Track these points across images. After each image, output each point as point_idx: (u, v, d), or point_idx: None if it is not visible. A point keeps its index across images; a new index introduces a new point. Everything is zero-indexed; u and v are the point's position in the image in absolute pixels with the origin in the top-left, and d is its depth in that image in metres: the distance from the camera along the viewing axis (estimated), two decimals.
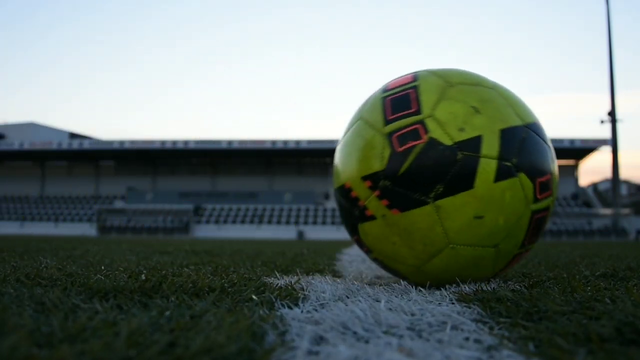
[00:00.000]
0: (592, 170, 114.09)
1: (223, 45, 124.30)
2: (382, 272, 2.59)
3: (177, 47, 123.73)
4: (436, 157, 1.61)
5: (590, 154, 47.00)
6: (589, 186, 51.62)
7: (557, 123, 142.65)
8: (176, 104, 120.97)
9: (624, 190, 54.21)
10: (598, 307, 1.18)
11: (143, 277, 1.74)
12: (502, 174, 1.62)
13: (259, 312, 1.15)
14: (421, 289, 1.61)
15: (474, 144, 1.62)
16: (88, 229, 43.31)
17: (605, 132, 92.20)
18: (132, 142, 47.02)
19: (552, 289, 1.59)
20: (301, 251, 5.26)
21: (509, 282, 1.91)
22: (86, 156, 50.66)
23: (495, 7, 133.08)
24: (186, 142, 46.64)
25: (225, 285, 1.58)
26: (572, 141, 43.93)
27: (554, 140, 44.17)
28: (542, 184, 1.72)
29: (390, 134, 1.69)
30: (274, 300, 1.35)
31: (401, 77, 1.91)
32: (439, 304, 1.34)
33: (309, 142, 45.43)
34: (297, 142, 45.83)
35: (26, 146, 47.56)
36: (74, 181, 53.28)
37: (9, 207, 49.02)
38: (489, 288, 1.66)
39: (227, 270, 2.25)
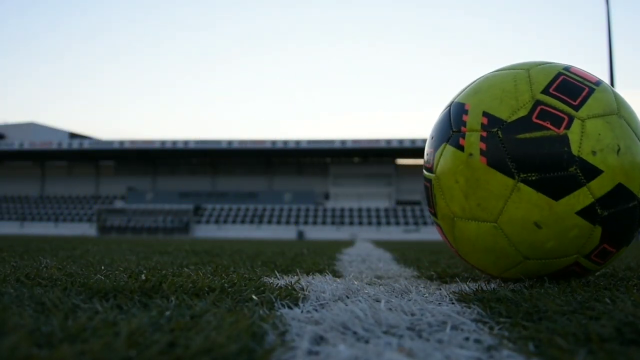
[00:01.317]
0: None
1: (223, 45, 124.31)
2: (382, 272, 2.59)
3: (177, 47, 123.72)
4: (554, 153, 1.61)
5: None
6: None
7: None
8: (176, 104, 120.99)
9: None
10: (598, 307, 1.18)
11: (143, 277, 1.74)
12: (586, 213, 1.62)
13: (259, 312, 1.15)
14: (421, 289, 1.61)
15: (592, 172, 1.61)
16: (88, 229, 43.33)
17: None
18: (132, 142, 47.03)
19: (552, 289, 1.59)
20: (301, 251, 5.27)
21: (509, 282, 1.91)
22: (86, 156, 50.67)
23: (495, 6, 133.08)
24: (186, 142, 46.65)
25: (225, 285, 1.58)
26: None
27: None
28: (605, 250, 1.72)
29: (538, 102, 1.67)
30: (274, 300, 1.35)
31: (588, 72, 1.88)
32: (439, 304, 1.34)
33: (309, 142, 45.43)
34: (297, 142, 45.83)
35: (26, 146, 47.57)
36: (74, 181, 53.31)
37: (9, 207, 49.02)
38: (489, 288, 1.66)
39: (227, 270, 2.25)
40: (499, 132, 1.66)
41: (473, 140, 1.70)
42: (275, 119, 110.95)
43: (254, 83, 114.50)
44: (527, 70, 1.80)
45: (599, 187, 1.61)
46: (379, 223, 43.65)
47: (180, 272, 2.06)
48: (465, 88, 1.92)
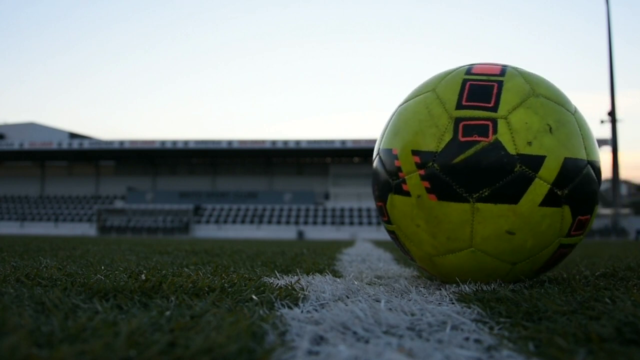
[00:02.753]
0: None
1: (223, 45, 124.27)
2: (382, 272, 2.59)
3: (177, 47, 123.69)
4: (494, 161, 1.58)
5: None
6: None
7: None
8: (176, 104, 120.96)
9: (624, 190, 54.19)
10: (598, 307, 1.18)
11: (143, 277, 1.74)
12: (549, 201, 1.61)
13: (259, 312, 1.15)
14: (421, 289, 1.61)
15: (536, 162, 1.59)
16: (88, 229, 43.32)
17: (605, 132, 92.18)
18: (132, 142, 47.01)
19: (552, 289, 1.59)
20: (301, 251, 5.26)
21: (509, 282, 1.91)
22: (86, 156, 50.67)
23: (495, 6, 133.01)
24: (186, 142, 46.64)
25: (225, 285, 1.58)
26: None
27: None
28: (581, 222, 1.72)
29: (458, 120, 1.63)
30: (274, 300, 1.35)
31: (489, 64, 1.84)
32: (439, 304, 1.34)
33: (309, 142, 45.42)
34: (297, 142, 45.82)
35: (26, 146, 47.56)
36: (74, 181, 53.30)
37: (9, 207, 49.01)
38: (489, 288, 1.66)
39: (227, 270, 2.25)
40: (435, 164, 1.63)
41: (415, 182, 1.68)
42: (275, 119, 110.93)
43: (254, 83, 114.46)
44: (433, 91, 1.77)
45: (549, 171, 1.60)
46: (379, 223, 43.63)
47: (180, 272, 2.06)
48: (385, 130, 1.89)
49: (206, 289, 1.50)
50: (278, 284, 1.76)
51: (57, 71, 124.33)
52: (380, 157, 1.85)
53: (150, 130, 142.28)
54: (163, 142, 46.76)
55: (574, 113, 1.76)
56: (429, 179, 1.65)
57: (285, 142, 46.03)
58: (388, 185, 1.78)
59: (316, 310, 1.22)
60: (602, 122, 42.75)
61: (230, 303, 1.29)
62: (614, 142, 41.58)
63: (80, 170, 53.85)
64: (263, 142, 46.61)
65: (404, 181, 1.71)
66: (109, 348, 0.79)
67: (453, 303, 1.35)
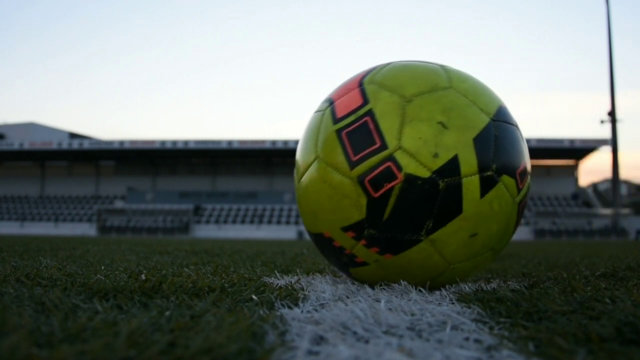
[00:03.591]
0: (592, 170, 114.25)
1: (223, 45, 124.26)
2: None
3: (177, 47, 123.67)
4: (418, 194, 1.50)
5: (590, 154, 47.00)
6: (589, 186, 51.63)
7: (557, 123, 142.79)
8: (176, 104, 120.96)
9: (624, 190, 54.25)
10: (598, 307, 1.18)
11: (143, 277, 1.74)
12: (486, 187, 1.55)
13: (259, 312, 1.15)
14: (421, 289, 1.61)
15: (453, 166, 1.51)
16: (88, 229, 43.32)
17: (605, 132, 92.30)
18: (132, 142, 47.02)
19: (552, 289, 1.59)
20: (301, 251, 5.26)
21: (509, 282, 1.91)
22: (86, 156, 50.66)
23: (495, 6, 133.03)
24: (186, 142, 46.64)
25: (225, 285, 1.58)
26: (572, 141, 43.92)
27: (554, 140, 44.48)
28: (522, 172, 1.66)
29: (360, 178, 1.53)
30: (274, 300, 1.35)
31: (346, 94, 1.68)
32: (439, 304, 1.34)
33: None
34: (297, 142, 45.72)
35: (26, 146, 47.56)
36: (74, 181, 53.30)
37: (9, 207, 49.02)
38: (489, 288, 1.66)
39: (227, 270, 2.25)
40: (370, 230, 1.57)
41: (364, 253, 1.62)
42: (275, 119, 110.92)
43: (254, 83, 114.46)
44: (318, 159, 1.64)
45: (469, 164, 1.52)
46: None
47: (180, 272, 2.06)
48: (300, 211, 1.82)
49: (206, 289, 1.50)
50: (278, 284, 1.76)
51: (57, 71, 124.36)
52: (316, 241, 1.79)
53: (150, 130, 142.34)
54: (163, 142, 46.76)
55: (450, 85, 1.63)
56: (374, 244, 1.60)
57: (285, 142, 46.05)
58: (342, 263, 1.74)
59: (316, 310, 1.22)
60: (602, 122, 42.76)
61: (230, 303, 1.29)
62: (614, 142, 41.59)
63: (80, 170, 53.84)
64: (263, 142, 46.63)
65: (354, 255, 1.66)
66: (109, 348, 0.79)
67: (453, 303, 1.35)
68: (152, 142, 47.01)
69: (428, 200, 1.51)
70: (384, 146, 1.53)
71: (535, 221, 40.89)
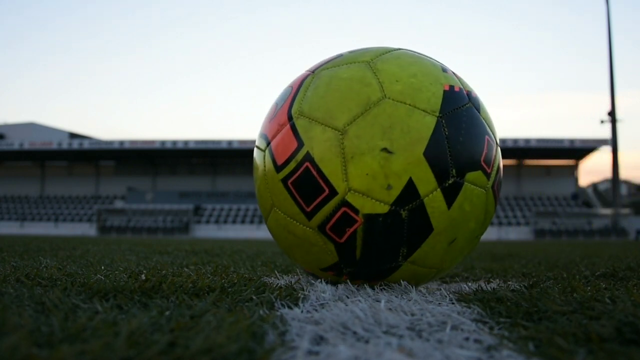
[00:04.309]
0: (592, 170, 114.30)
1: (223, 45, 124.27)
2: None
3: (177, 47, 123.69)
4: (383, 230, 1.46)
5: (590, 154, 47.00)
6: (589, 186, 51.64)
7: (557, 123, 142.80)
8: (176, 104, 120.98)
9: (624, 190, 54.26)
10: (598, 307, 1.18)
11: (143, 277, 1.74)
12: (451, 196, 1.47)
13: (259, 312, 1.15)
14: (421, 289, 1.61)
15: (410, 192, 1.43)
16: (88, 229, 43.33)
17: (605, 132, 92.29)
18: (132, 142, 47.02)
19: (552, 289, 1.59)
20: None
21: (509, 282, 1.91)
22: (86, 156, 50.66)
23: (496, 5, 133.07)
24: (186, 142, 46.64)
25: (225, 285, 1.58)
26: (572, 141, 43.92)
27: (554, 141, 44.48)
28: (486, 156, 1.55)
29: (321, 227, 1.50)
30: (274, 300, 1.35)
31: (279, 133, 1.57)
32: (439, 304, 1.34)
33: None
34: None
35: (26, 146, 47.56)
36: (74, 181, 53.29)
37: (9, 207, 49.02)
38: (489, 288, 1.66)
39: (227, 270, 2.25)
40: (347, 269, 1.58)
41: (351, 281, 1.64)
42: None
43: (254, 83, 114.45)
44: (275, 209, 1.60)
45: (426, 182, 1.43)
46: None
47: (180, 272, 2.06)
48: (287, 254, 1.80)
49: (206, 289, 1.50)
50: (278, 284, 1.76)
51: (57, 71, 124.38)
52: (305, 272, 1.81)
53: (150, 130, 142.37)
54: (163, 142, 46.75)
55: (383, 91, 1.48)
56: (357, 277, 1.61)
57: None
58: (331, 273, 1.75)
59: (316, 310, 1.22)
60: (602, 122, 42.77)
61: (230, 303, 1.29)
62: (614, 142, 41.60)
63: (80, 170, 53.84)
64: None
65: (345, 282, 1.67)
66: (109, 348, 0.79)
67: (453, 303, 1.35)
68: (152, 142, 47.01)
69: (395, 232, 1.47)
70: (333, 192, 1.45)
71: (535, 221, 40.88)
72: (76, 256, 3.42)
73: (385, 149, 1.42)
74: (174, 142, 46.71)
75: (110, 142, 47.56)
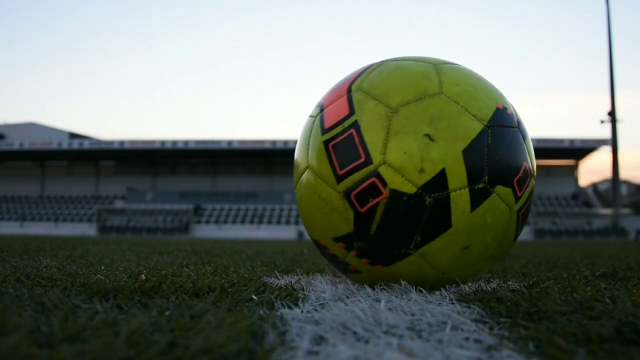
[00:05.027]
0: (592, 170, 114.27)
1: (223, 45, 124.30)
2: None
3: (177, 47, 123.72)
4: (404, 210, 1.47)
5: (590, 154, 47.02)
6: (589, 186, 51.65)
7: (557, 123, 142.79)
8: (176, 104, 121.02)
9: (624, 190, 54.25)
10: (598, 307, 1.18)
11: (143, 277, 1.74)
12: (477, 200, 1.49)
13: (259, 312, 1.15)
14: (421, 289, 1.61)
15: (440, 181, 1.46)
16: (88, 229, 43.33)
17: (605, 132, 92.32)
18: (132, 142, 47.03)
19: (552, 289, 1.59)
20: (301, 251, 5.26)
21: (509, 282, 1.91)
22: (86, 156, 50.68)
23: (496, 5, 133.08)
24: (186, 142, 46.65)
25: (225, 285, 1.58)
26: (572, 141, 43.93)
27: (553, 140, 44.49)
28: (520, 179, 1.59)
29: (347, 193, 1.52)
30: (274, 300, 1.35)
31: (335, 101, 1.65)
32: (439, 304, 1.34)
33: None
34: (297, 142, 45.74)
35: (26, 146, 47.57)
36: (74, 181, 53.30)
37: (9, 207, 49.02)
38: (489, 288, 1.66)
39: (227, 270, 2.25)
40: (359, 243, 1.57)
41: (356, 262, 1.64)
42: (275, 119, 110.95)
43: (253, 83, 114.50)
44: (309, 169, 1.64)
45: (457, 178, 1.47)
46: None
47: (180, 272, 2.06)
48: (303, 221, 1.82)
49: (206, 289, 1.50)
50: (278, 284, 1.76)
51: (57, 71, 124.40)
52: (315, 245, 1.81)
53: (150, 130, 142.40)
54: (163, 142, 46.76)
55: (441, 88, 1.55)
56: (364, 255, 1.60)
57: (285, 142, 46.06)
58: (339, 267, 1.76)
59: (316, 310, 1.22)
60: (602, 122, 42.77)
61: (230, 303, 1.29)
62: (614, 142, 41.60)
63: (80, 170, 53.85)
64: (263, 142, 46.64)
65: (347, 263, 1.67)
66: (109, 348, 0.79)
67: (453, 303, 1.35)
68: (152, 142, 47.01)
69: (415, 216, 1.48)
70: (368, 161, 1.49)
71: (535, 221, 40.88)
72: (76, 256, 3.42)
73: (428, 135, 1.48)
74: (174, 142, 46.72)
75: (110, 142, 47.56)
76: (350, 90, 1.64)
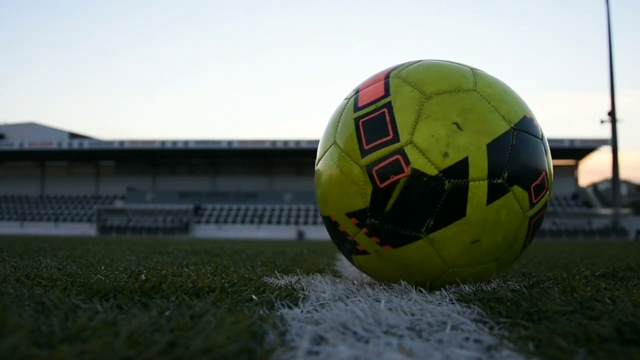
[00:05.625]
0: (592, 170, 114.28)
1: (223, 45, 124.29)
2: None
3: (177, 47, 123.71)
4: (422, 191, 1.50)
5: (590, 154, 47.02)
6: (589, 186, 51.65)
7: (557, 123, 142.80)
8: (176, 104, 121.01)
9: (624, 190, 54.24)
10: (598, 307, 1.18)
11: (143, 277, 1.74)
12: (494, 194, 1.52)
13: (259, 312, 1.15)
14: (421, 289, 1.61)
15: (461, 168, 1.49)
16: (88, 229, 43.32)
17: (605, 132, 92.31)
18: (132, 142, 47.02)
19: (552, 289, 1.59)
20: (301, 251, 5.26)
21: (509, 282, 1.91)
22: (86, 156, 50.68)
23: (496, 5, 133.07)
24: (186, 142, 46.65)
25: (225, 285, 1.58)
26: (572, 141, 43.93)
27: (554, 140, 44.44)
28: (537, 187, 1.62)
29: (369, 167, 1.55)
30: (274, 300, 1.35)
31: (372, 85, 1.72)
32: (439, 304, 1.34)
33: (309, 142, 45.41)
34: (297, 142, 45.82)
35: (26, 146, 47.57)
36: (74, 181, 53.30)
37: (9, 207, 49.01)
38: (489, 288, 1.66)
39: (227, 270, 2.25)
40: (372, 220, 1.58)
41: (365, 241, 1.64)
42: (275, 119, 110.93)
43: (253, 83, 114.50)
44: (335, 144, 1.68)
45: (478, 169, 1.50)
46: None
47: (180, 272, 2.06)
48: (316, 193, 1.84)
49: (206, 289, 1.50)
50: (278, 284, 1.76)
51: (57, 71, 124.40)
52: (326, 224, 1.82)
53: (150, 130, 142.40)
54: (163, 142, 46.76)
55: (474, 88, 1.61)
56: (375, 234, 1.61)
57: (285, 142, 46.05)
58: (345, 248, 1.77)
59: (316, 310, 1.22)
60: (602, 122, 42.77)
61: (230, 303, 1.29)
62: (614, 142, 41.59)
63: (80, 170, 53.85)
64: (263, 142, 46.63)
65: (356, 243, 1.68)
66: (109, 348, 0.79)
67: (453, 303, 1.35)
68: (152, 142, 47.01)
69: (432, 199, 1.51)
70: (395, 139, 1.54)
71: None
72: (76, 256, 3.42)
73: (456, 124, 1.53)
74: (174, 142, 46.72)
75: (110, 142, 47.56)
76: (388, 77, 1.70)
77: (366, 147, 1.58)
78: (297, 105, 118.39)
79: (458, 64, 1.76)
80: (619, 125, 66.46)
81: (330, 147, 1.72)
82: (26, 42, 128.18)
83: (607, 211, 41.79)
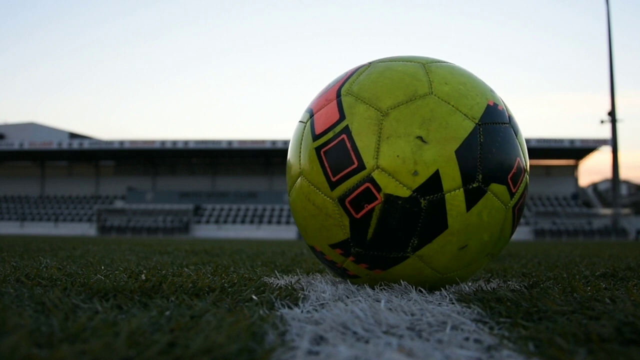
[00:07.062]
0: (592, 170, 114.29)
1: (223, 45, 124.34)
2: None
3: (177, 46, 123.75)
4: (400, 214, 1.47)
5: (590, 154, 46.98)
6: (589, 186, 51.64)
7: (557, 123, 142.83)
8: (176, 104, 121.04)
9: (624, 190, 54.27)
10: (598, 307, 1.18)
11: (143, 277, 1.74)
12: (472, 199, 1.49)
13: (259, 312, 1.15)
14: (421, 289, 1.61)
15: (434, 183, 1.46)
16: (88, 229, 43.31)
17: (605, 132, 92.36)
18: (132, 142, 47.00)
19: (552, 289, 1.59)
20: (301, 251, 5.26)
21: (509, 282, 1.91)
22: (86, 156, 50.64)
23: (496, 5, 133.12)
24: (186, 142, 46.63)
25: (225, 285, 1.58)
26: (572, 141, 43.90)
27: (554, 141, 44.44)
28: (514, 175, 1.58)
29: (341, 199, 1.52)
30: (274, 300, 1.35)
31: (324, 106, 1.64)
32: (439, 304, 1.34)
33: None
34: None
35: (26, 146, 47.54)
36: (74, 181, 53.26)
37: (9, 207, 49.01)
38: (489, 288, 1.66)
39: (227, 270, 2.25)
40: (356, 248, 1.58)
41: (354, 267, 1.65)
42: (275, 119, 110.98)
43: (253, 83, 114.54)
44: (302, 176, 1.64)
45: (451, 179, 1.47)
46: None
47: (180, 272, 2.06)
48: (298, 228, 1.81)
49: (206, 289, 1.50)
50: (278, 284, 1.76)
51: (57, 71, 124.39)
52: (312, 252, 1.80)
53: (150, 130, 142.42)
54: (163, 142, 46.74)
55: (431, 88, 1.54)
56: (362, 261, 1.60)
57: (285, 142, 46.00)
58: (338, 272, 1.76)
59: (316, 310, 1.22)
60: (602, 122, 42.77)
61: (230, 303, 1.29)
62: (614, 142, 41.59)
63: (80, 170, 53.82)
64: (263, 142, 46.61)
65: (345, 269, 1.68)
66: (109, 348, 0.79)
67: (453, 303, 1.35)
68: (152, 142, 46.99)
69: (411, 219, 1.48)
70: (361, 166, 1.49)
71: (535, 221, 40.87)
72: (76, 256, 3.42)
73: (420, 137, 1.47)
74: (174, 142, 46.70)
75: (110, 142, 47.53)
76: (339, 94, 1.62)
77: (334, 179, 1.53)
78: (297, 105, 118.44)
79: (410, 61, 1.67)
80: (619, 125, 66.57)
81: (298, 178, 1.67)
82: (26, 41, 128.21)
83: (607, 211, 41.77)
